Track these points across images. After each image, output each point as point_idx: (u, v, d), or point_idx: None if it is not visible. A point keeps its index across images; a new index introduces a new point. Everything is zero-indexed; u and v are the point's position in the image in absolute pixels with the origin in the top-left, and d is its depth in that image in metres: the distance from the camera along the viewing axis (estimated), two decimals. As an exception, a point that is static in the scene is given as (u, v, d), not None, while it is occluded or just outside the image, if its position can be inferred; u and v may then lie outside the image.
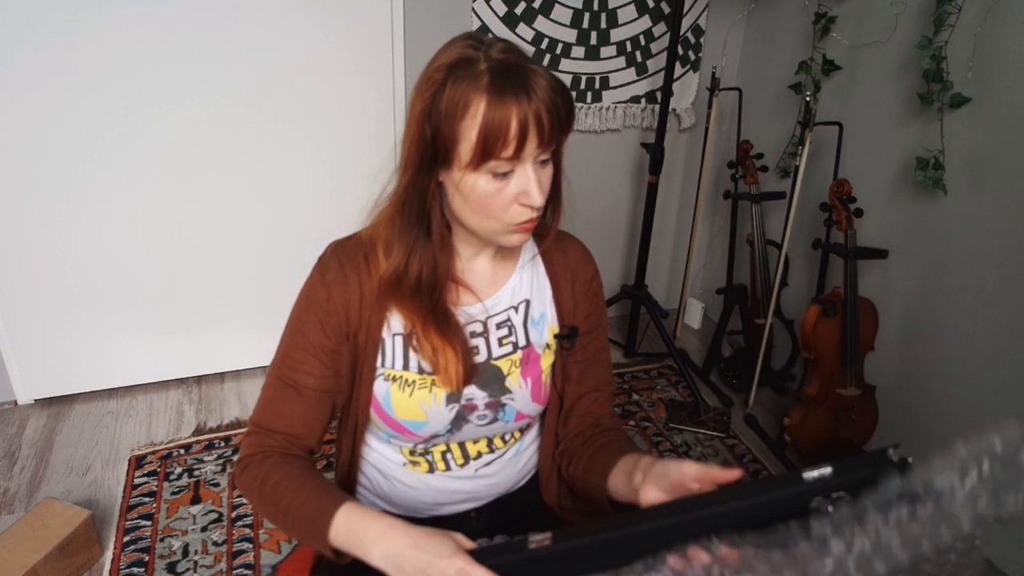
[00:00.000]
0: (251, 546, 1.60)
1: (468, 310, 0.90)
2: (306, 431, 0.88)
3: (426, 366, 0.88)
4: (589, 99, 2.31)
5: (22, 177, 1.81)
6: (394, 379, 0.88)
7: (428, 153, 0.76)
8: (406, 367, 0.89)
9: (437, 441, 0.93)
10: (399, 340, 0.88)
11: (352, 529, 0.75)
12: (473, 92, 0.72)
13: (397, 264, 0.83)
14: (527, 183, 0.76)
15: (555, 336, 0.95)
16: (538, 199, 0.77)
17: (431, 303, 0.85)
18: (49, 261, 1.92)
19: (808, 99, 1.86)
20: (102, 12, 1.71)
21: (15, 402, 2.08)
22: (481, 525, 1.02)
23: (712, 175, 2.51)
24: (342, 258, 0.87)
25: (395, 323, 0.88)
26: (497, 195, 0.76)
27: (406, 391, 0.88)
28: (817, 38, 2.00)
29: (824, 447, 1.89)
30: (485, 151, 0.73)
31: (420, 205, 0.80)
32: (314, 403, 0.88)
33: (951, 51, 1.61)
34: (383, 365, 0.89)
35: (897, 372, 1.88)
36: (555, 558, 0.67)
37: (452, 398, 0.89)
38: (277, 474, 0.84)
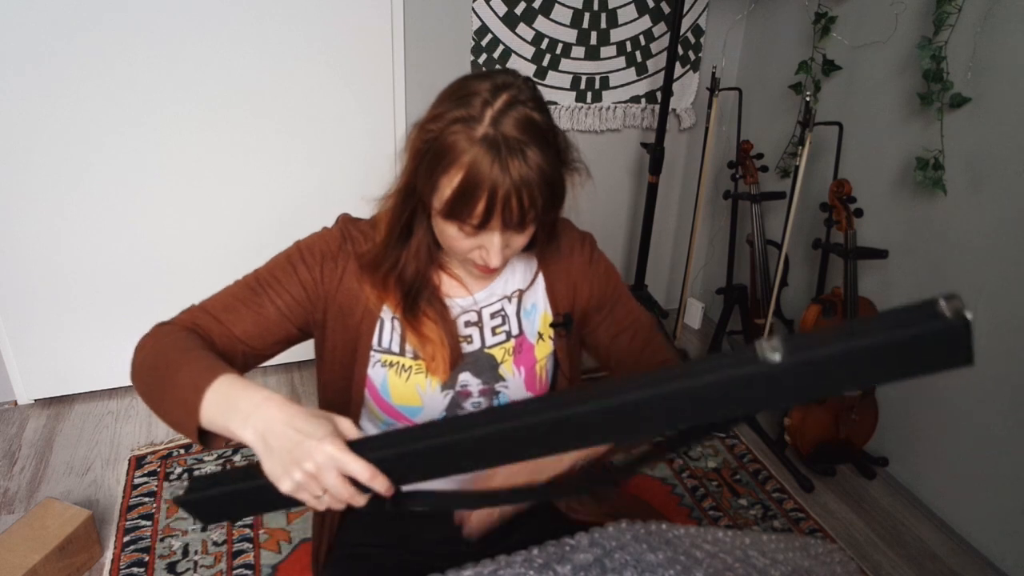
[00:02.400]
0: (251, 546, 1.60)
1: (459, 302, 0.93)
2: (247, 338, 0.84)
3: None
4: (589, 99, 2.31)
5: (22, 178, 1.81)
6: (391, 364, 0.90)
7: (413, 187, 0.81)
8: (402, 352, 0.90)
9: None
10: (397, 323, 0.90)
11: (227, 400, 0.67)
12: (460, 155, 0.73)
13: (378, 252, 0.87)
14: (488, 245, 0.78)
15: (551, 325, 0.96)
16: (493, 262, 0.79)
17: (409, 293, 0.87)
18: (49, 261, 1.92)
19: (808, 99, 1.86)
20: (104, 17, 1.71)
21: (15, 402, 2.08)
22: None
23: (712, 175, 2.51)
24: (353, 231, 0.91)
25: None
26: (462, 240, 0.79)
27: (402, 376, 0.90)
28: (817, 38, 2.00)
29: (824, 447, 1.89)
30: (452, 213, 0.76)
31: (408, 219, 0.85)
32: (269, 321, 0.86)
33: (951, 51, 1.61)
34: (379, 345, 0.90)
35: (897, 372, 1.88)
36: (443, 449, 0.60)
37: (447, 384, 0.91)
38: (179, 337, 0.77)
